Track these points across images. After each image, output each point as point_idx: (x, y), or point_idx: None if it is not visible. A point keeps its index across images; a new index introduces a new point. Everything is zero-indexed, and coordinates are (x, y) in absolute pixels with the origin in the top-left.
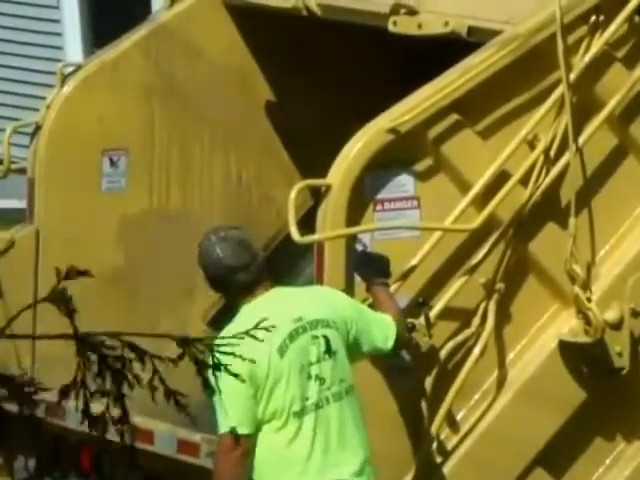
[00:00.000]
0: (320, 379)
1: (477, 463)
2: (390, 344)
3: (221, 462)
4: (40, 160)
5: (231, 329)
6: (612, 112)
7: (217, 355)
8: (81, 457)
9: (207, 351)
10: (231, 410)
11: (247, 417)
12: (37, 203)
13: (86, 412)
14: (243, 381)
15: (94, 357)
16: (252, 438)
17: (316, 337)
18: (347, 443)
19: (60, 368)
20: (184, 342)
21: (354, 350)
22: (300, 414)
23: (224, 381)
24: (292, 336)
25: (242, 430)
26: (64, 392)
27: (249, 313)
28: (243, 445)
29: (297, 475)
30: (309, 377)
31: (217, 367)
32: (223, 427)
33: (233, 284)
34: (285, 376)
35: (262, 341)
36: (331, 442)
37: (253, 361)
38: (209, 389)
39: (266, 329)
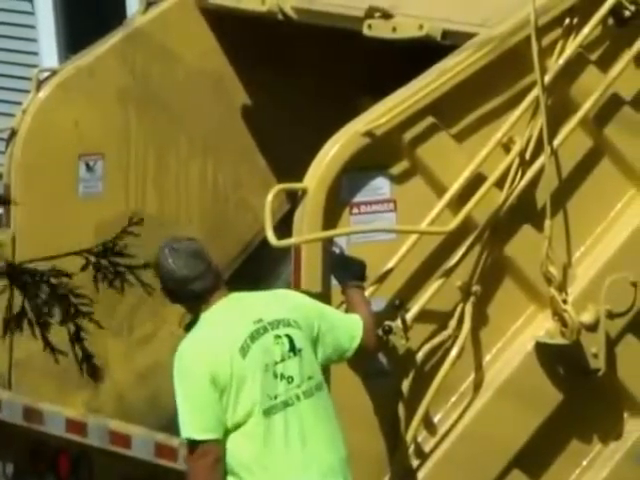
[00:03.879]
0: (287, 377)
1: (454, 465)
2: (356, 343)
3: (193, 470)
4: (16, 165)
5: (192, 337)
6: (586, 114)
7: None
8: (59, 462)
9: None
10: (198, 416)
11: (214, 422)
12: (13, 208)
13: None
14: (206, 384)
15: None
16: (221, 443)
17: (279, 337)
18: (324, 439)
19: (37, 374)
20: (90, 253)
21: (320, 349)
22: (269, 413)
23: (188, 388)
24: (253, 337)
25: (211, 436)
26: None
27: (208, 320)
28: (213, 451)
29: (278, 475)
30: (275, 376)
31: (128, 268)
32: (192, 434)
33: (188, 294)
34: (250, 376)
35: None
36: (307, 439)
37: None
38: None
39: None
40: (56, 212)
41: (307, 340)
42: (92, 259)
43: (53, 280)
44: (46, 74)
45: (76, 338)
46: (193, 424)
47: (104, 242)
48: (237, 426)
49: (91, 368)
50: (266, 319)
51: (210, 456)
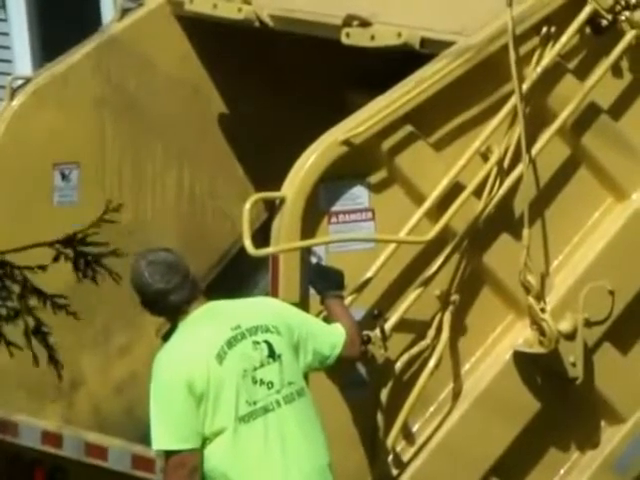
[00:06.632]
0: (267, 383)
1: (433, 475)
2: (337, 351)
3: None
4: None
5: (169, 346)
6: (564, 123)
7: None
8: (35, 475)
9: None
10: (174, 426)
11: (191, 431)
12: None
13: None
14: (182, 392)
15: None
16: (199, 452)
17: (257, 342)
18: (305, 444)
19: (11, 385)
20: (60, 243)
21: (302, 356)
22: (248, 419)
23: (165, 396)
24: (230, 343)
25: (187, 445)
26: None
27: (185, 328)
28: (190, 461)
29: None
30: (254, 382)
31: (95, 260)
32: (168, 444)
33: (166, 306)
34: (227, 382)
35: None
36: (288, 444)
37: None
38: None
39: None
40: (31, 222)
41: (287, 346)
42: (61, 249)
43: (27, 273)
44: (20, 82)
45: (37, 331)
46: (169, 434)
47: (76, 231)
48: (216, 433)
49: (53, 361)
50: (244, 325)
51: (187, 466)
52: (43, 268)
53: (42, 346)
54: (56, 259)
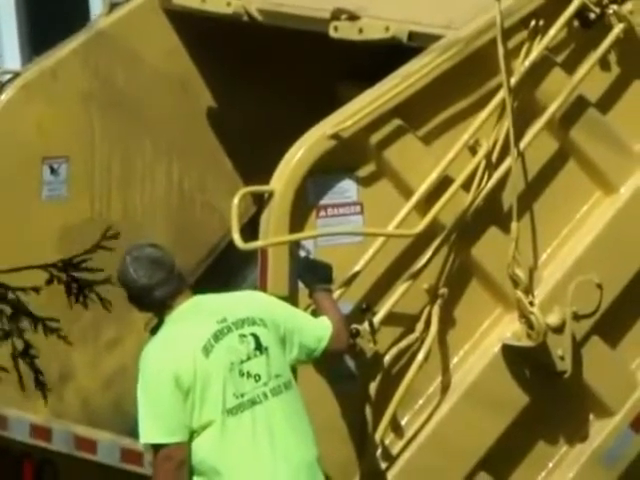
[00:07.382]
0: (255, 376)
1: (422, 468)
2: (323, 344)
3: (158, 475)
4: None
5: (156, 340)
6: (553, 116)
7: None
8: (23, 468)
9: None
10: (161, 419)
11: (178, 425)
12: None
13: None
14: (169, 386)
15: None
16: (186, 445)
17: (244, 335)
18: (293, 436)
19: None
20: (55, 267)
21: (288, 349)
22: (236, 412)
23: (152, 390)
24: (217, 336)
25: (175, 439)
26: None
27: (172, 322)
28: (177, 454)
29: (245, 473)
30: (241, 374)
31: (88, 285)
32: (155, 438)
33: (152, 302)
34: (214, 375)
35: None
36: (276, 436)
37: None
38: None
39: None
40: (19, 216)
41: (274, 339)
42: (55, 272)
43: (21, 295)
44: (8, 76)
45: (25, 354)
46: (156, 427)
47: (72, 256)
48: (204, 426)
49: (39, 384)
50: (230, 319)
51: (174, 460)
52: (37, 290)
53: (29, 369)
54: (50, 282)
